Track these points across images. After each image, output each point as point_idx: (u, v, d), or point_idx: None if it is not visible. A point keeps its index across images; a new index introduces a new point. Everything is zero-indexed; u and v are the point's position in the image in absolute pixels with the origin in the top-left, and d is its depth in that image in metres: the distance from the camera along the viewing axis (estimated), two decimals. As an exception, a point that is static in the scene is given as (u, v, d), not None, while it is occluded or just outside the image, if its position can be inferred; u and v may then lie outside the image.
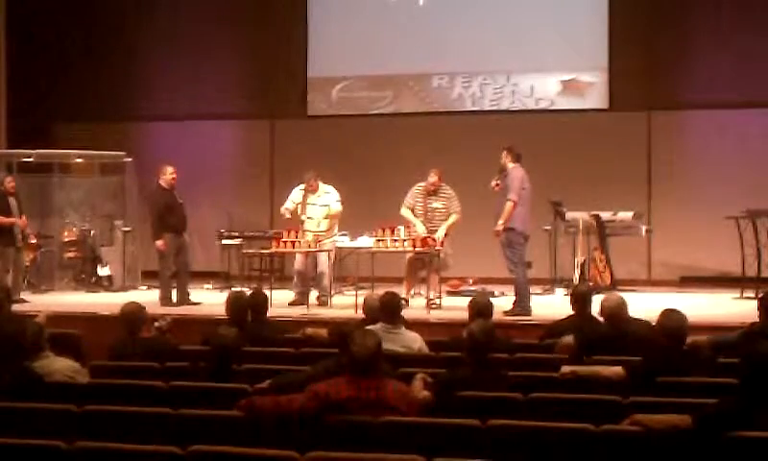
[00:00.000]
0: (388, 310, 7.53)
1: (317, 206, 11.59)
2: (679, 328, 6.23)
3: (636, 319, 7.54)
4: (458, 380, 5.84)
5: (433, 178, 11.41)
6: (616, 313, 7.13)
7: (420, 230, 11.09)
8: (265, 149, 15.52)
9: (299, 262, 11.62)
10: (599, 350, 6.73)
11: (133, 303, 7.67)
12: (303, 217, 11.54)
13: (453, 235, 11.54)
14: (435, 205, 11.41)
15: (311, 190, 11.61)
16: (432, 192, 11.43)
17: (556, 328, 8.06)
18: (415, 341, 7.48)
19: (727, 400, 4.90)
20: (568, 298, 8.37)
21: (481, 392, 5.66)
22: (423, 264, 11.40)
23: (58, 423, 5.27)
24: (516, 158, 10.47)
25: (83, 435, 4.92)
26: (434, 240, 10.95)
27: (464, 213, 11.70)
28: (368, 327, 7.47)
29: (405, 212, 11.40)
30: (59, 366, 6.19)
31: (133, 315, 7.46)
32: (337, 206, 11.61)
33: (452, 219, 11.35)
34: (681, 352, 6.18)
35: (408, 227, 10.99)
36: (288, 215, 11.61)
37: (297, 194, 11.71)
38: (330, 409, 5.10)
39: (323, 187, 11.65)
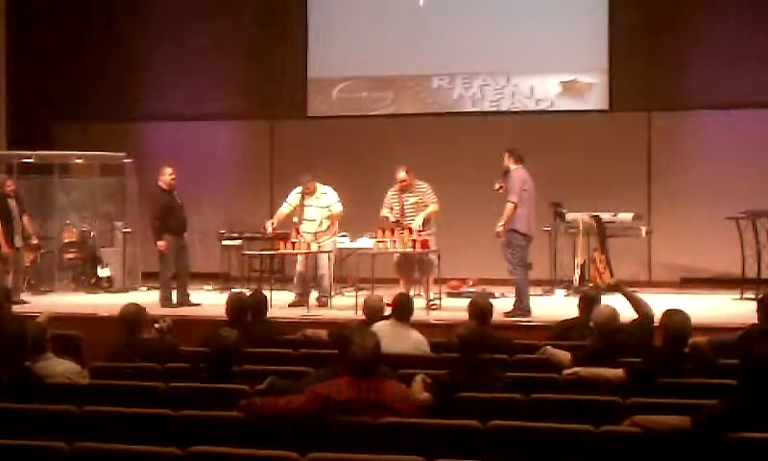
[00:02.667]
0: (399, 309, 7.63)
1: (314, 208, 11.60)
2: (680, 331, 6.21)
3: (628, 325, 7.52)
4: (452, 382, 5.85)
5: (401, 174, 11.41)
6: (609, 325, 6.90)
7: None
8: (265, 149, 15.51)
9: (300, 264, 11.64)
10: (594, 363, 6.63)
11: (133, 304, 7.66)
12: (302, 221, 11.53)
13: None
14: (411, 200, 11.42)
15: (308, 192, 11.62)
16: (405, 189, 11.43)
17: (561, 329, 8.08)
18: (423, 342, 7.52)
19: (726, 401, 4.91)
20: (570, 299, 8.37)
21: (475, 393, 5.67)
22: (412, 265, 11.39)
23: (58, 424, 5.27)
24: (518, 160, 10.46)
25: (83, 436, 4.92)
26: (410, 230, 10.97)
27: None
28: (377, 324, 7.54)
29: (383, 212, 11.43)
30: (60, 369, 6.18)
31: (133, 316, 7.45)
32: (338, 207, 11.63)
33: (430, 209, 11.34)
34: (681, 354, 6.18)
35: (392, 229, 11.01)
36: (273, 224, 11.62)
37: (294, 197, 11.72)
38: (330, 410, 5.10)
39: (320, 188, 11.67)
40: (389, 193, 11.54)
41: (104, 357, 7.32)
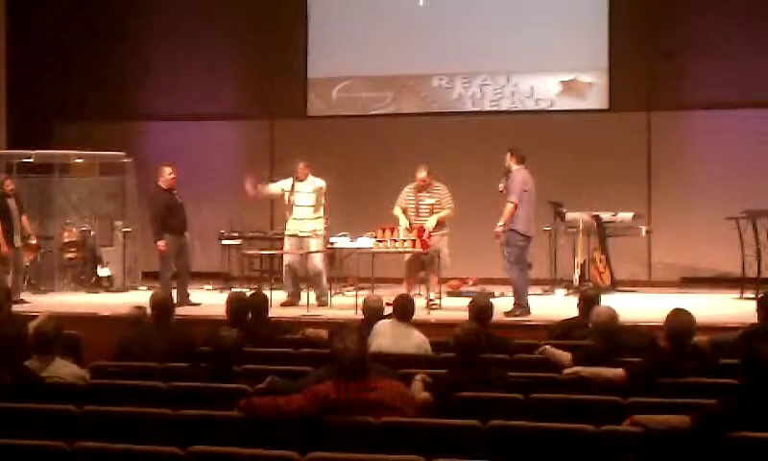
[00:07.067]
0: (400, 308, 7.65)
1: (304, 194, 11.55)
2: (683, 330, 6.21)
3: (629, 327, 7.54)
4: (450, 382, 5.85)
5: (422, 173, 11.43)
6: (609, 327, 6.85)
7: (403, 223, 11.17)
8: (265, 149, 15.51)
9: (288, 257, 11.61)
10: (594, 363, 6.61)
11: (163, 291, 7.79)
12: (292, 206, 11.51)
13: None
14: (427, 201, 11.43)
15: (299, 179, 11.60)
16: (423, 188, 11.45)
17: (561, 329, 8.08)
18: (425, 341, 7.52)
19: (726, 400, 4.91)
20: (570, 299, 8.36)
21: (475, 393, 5.67)
22: (422, 264, 11.41)
23: (58, 423, 5.27)
24: (520, 160, 10.46)
25: (83, 436, 4.92)
26: (423, 230, 10.98)
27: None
28: (379, 323, 7.53)
29: (396, 211, 11.45)
30: (62, 372, 6.16)
31: (165, 304, 7.70)
32: (320, 182, 11.59)
33: (444, 212, 11.36)
34: (682, 354, 6.18)
35: (393, 228, 11.03)
36: (265, 191, 11.72)
37: (286, 183, 11.70)
38: (329, 410, 5.10)
39: (311, 177, 11.64)
40: (405, 190, 11.55)
41: (103, 357, 7.35)
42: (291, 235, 11.56)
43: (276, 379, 5.98)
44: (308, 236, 11.47)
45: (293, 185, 11.57)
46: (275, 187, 11.81)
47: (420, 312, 10.43)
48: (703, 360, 6.28)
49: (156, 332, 7.43)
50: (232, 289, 11.47)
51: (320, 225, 11.63)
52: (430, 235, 11.07)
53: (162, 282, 11.73)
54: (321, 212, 11.64)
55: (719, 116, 13.92)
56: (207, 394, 5.78)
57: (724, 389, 5.45)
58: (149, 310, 7.94)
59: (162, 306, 7.70)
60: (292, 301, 11.48)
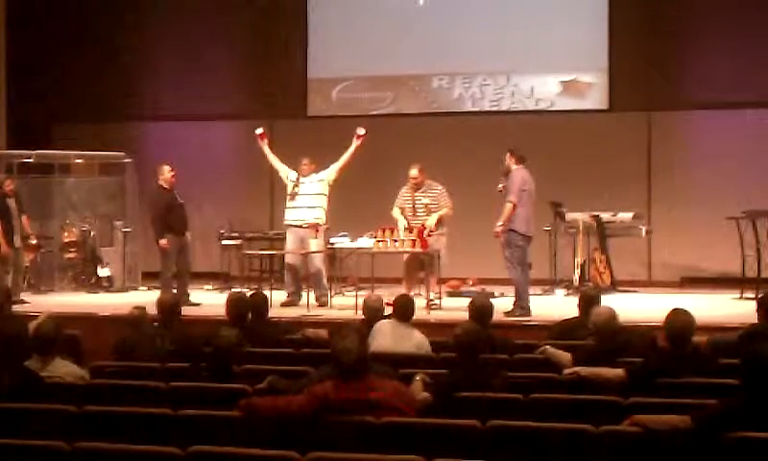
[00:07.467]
0: (400, 309, 7.67)
1: (307, 184, 11.55)
2: (682, 331, 6.21)
3: (629, 327, 7.54)
4: (450, 382, 5.85)
5: (413, 171, 11.42)
6: (609, 327, 6.84)
7: (402, 224, 11.17)
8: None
9: (290, 256, 11.60)
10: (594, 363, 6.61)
11: (170, 294, 7.83)
12: (294, 196, 11.54)
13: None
14: (423, 201, 11.41)
15: (303, 174, 11.60)
16: (418, 188, 11.43)
17: (561, 329, 8.09)
18: (425, 341, 7.52)
19: (726, 400, 4.91)
20: (570, 299, 8.36)
21: (475, 393, 5.67)
22: (421, 264, 11.40)
23: (58, 423, 5.27)
24: (520, 160, 10.47)
25: (83, 436, 4.92)
26: (424, 227, 10.98)
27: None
28: (379, 324, 7.53)
29: (395, 212, 11.45)
30: (62, 371, 6.16)
31: (171, 308, 7.82)
32: (331, 175, 11.60)
33: (443, 211, 11.35)
34: (682, 354, 6.18)
35: (392, 228, 11.04)
36: (269, 152, 11.91)
37: (292, 174, 11.70)
38: (329, 410, 5.10)
39: (315, 175, 11.63)
40: (402, 190, 11.55)
41: (103, 357, 7.35)
42: (292, 226, 11.52)
43: (275, 379, 5.98)
44: (308, 229, 11.43)
45: (297, 179, 11.58)
46: (281, 166, 11.82)
47: (419, 312, 10.43)
48: (703, 360, 6.28)
49: (161, 334, 7.46)
50: (232, 289, 11.45)
51: (320, 214, 11.57)
52: (430, 234, 11.07)
53: (163, 282, 11.73)
54: (324, 204, 11.60)
55: (719, 116, 13.93)
56: (207, 394, 5.78)
57: (724, 389, 5.45)
58: (149, 311, 7.95)
59: (169, 310, 7.77)
60: (292, 301, 11.47)
